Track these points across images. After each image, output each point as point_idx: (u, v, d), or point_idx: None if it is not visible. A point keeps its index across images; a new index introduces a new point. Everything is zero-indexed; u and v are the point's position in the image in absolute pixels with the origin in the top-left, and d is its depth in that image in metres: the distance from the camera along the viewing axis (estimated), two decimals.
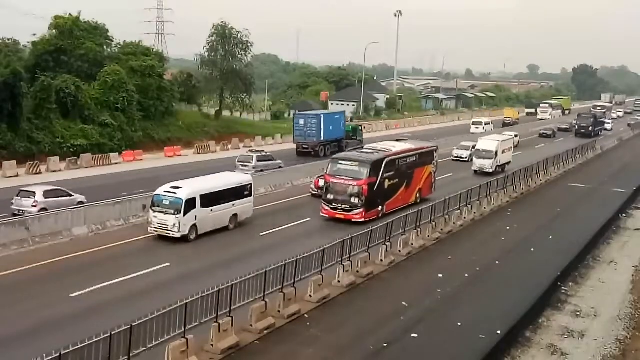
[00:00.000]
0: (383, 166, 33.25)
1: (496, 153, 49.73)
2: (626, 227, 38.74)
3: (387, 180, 33.64)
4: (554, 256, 28.98)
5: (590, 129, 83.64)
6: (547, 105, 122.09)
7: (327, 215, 32.73)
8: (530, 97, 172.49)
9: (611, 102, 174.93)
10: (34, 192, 31.07)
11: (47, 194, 31.28)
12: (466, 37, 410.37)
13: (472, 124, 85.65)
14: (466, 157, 55.36)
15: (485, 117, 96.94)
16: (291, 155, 54.45)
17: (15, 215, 29.61)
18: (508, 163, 51.43)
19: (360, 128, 66.70)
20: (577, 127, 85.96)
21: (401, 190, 35.48)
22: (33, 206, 30.24)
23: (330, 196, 32.58)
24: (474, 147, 53.87)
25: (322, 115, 59.19)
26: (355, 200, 31.88)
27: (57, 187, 32.98)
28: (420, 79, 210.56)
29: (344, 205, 32.13)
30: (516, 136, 67.23)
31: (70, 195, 32.47)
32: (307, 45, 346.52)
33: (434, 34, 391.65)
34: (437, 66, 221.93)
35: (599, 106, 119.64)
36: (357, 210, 31.83)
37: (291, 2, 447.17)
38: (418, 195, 37.15)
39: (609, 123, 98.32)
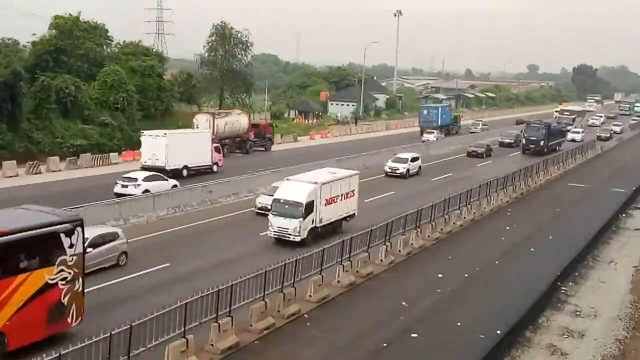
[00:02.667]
0: None
1: (309, 206, 27.80)
2: (626, 227, 38.69)
3: None
4: (553, 256, 28.96)
5: (543, 143, 63.26)
6: (592, 100, 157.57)
7: None
8: (530, 97, 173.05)
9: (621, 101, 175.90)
10: (135, 178, 35.87)
11: (146, 179, 36.29)
12: (466, 37, 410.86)
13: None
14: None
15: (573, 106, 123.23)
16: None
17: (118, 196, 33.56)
18: (347, 218, 30.87)
19: (459, 117, 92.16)
20: (524, 140, 65.07)
21: None
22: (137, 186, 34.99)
23: None
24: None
25: (439, 107, 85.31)
26: None
27: (154, 173, 37.72)
28: (420, 79, 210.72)
29: None
30: (415, 159, 49.31)
31: (166, 180, 37.17)
32: (307, 45, 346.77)
33: (434, 34, 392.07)
34: (437, 66, 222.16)
35: (567, 111, 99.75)
36: None
37: (291, 2, 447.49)
38: None
39: (578, 132, 79.19)
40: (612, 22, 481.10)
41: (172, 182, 37.36)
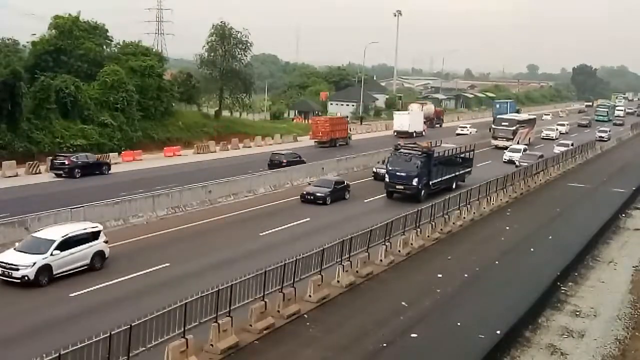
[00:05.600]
0: None
1: None
2: (626, 227, 38.71)
3: None
4: (553, 256, 28.97)
5: (416, 182, 38.56)
6: (622, 97, 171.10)
7: None
8: (529, 97, 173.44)
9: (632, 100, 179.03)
10: (466, 126, 66.90)
11: (472, 126, 65.77)
12: (466, 37, 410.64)
13: None
14: None
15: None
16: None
17: None
18: None
19: (520, 110, 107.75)
20: (387, 177, 39.89)
21: None
22: None
23: None
24: None
25: (508, 102, 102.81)
26: None
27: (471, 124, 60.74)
28: (419, 79, 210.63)
29: None
30: (75, 242, 23.47)
31: (475, 129, 64.56)
32: (306, 45, 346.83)
33: (433, 34, 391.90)
34: (436, 66, 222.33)
35: (506, 120, 70.69)
36: None
37: (291, 2, 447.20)
38: None
39: (517, 151, 57.09)
40: (612, 22, 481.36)
41: (474, 129, 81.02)
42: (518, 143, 64.87)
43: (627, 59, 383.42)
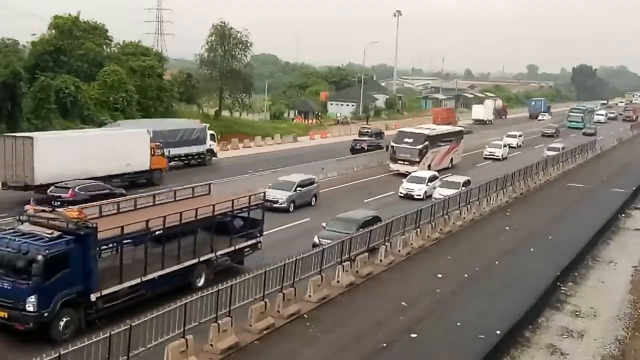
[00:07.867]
0: None
1: None
2: (625, 227, 38.72)
3: None
4: (553, 256, 28.95)
5: (36, 301, 16.73)
6: (637, 95, 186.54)
7: None
8: (529, 97, 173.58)
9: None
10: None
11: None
12: (466, 37, 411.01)
13: None
14: None
15: None
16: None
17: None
18: None
19: (550, 106, 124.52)
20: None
21: None
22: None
23: None
24: None
25: (542, 100, 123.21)
26: None
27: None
28: (419, 79, 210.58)
29: None
30: None
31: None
32: (306, 45, 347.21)
33: (433, 34, 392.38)
34: (436, 66, 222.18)
35: (411, 135, 48.96)
36: None
37: (291, 2, 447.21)
38: None
39: (420, 182, 40.19)
40: (612, 22, 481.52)
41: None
42: (429, 168, 46.25)
43: (627, 59, 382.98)
